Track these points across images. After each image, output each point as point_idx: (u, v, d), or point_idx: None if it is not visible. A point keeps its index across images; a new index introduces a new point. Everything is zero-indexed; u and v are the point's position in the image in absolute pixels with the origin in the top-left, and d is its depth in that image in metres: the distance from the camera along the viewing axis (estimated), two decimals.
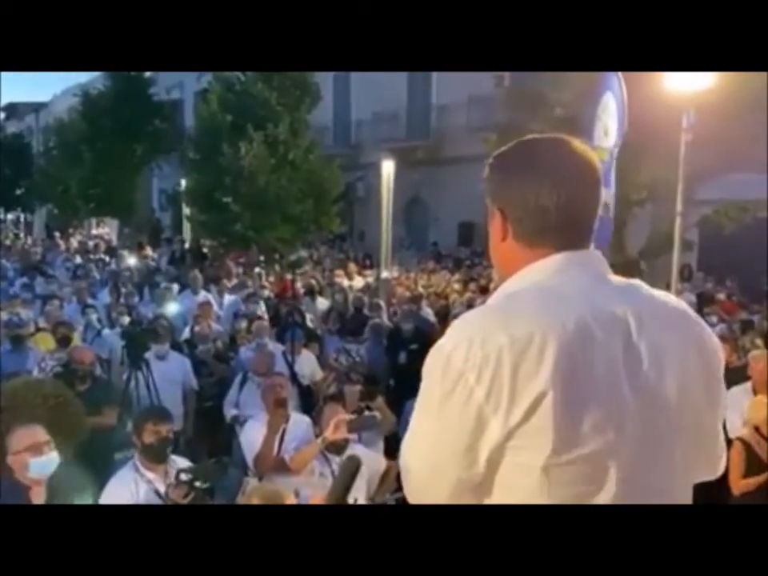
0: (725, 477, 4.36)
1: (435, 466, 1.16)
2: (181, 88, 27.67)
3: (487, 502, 1.16)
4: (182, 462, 3.45)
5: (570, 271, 1.18)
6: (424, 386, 1.17)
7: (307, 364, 6.60)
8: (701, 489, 1.31)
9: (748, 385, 5.18)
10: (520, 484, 1.12)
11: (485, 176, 1.27)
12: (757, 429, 4.36)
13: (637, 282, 1.25)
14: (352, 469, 1.44)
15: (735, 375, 5.37)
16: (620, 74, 5.45)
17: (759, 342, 7.34)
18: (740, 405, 4.96)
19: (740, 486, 4.20)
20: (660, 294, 1.26)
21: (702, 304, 9.49)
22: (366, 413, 4.30)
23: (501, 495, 1.14)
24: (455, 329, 1.16)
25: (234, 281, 10.87)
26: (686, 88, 5.67)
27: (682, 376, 1.18)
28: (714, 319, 8.50)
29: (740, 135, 9.88)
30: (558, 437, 1.08)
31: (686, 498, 1.24)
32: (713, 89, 5.78)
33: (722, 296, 9.96)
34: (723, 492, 4.23)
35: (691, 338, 1.22)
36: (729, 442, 4.81)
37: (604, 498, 1.12)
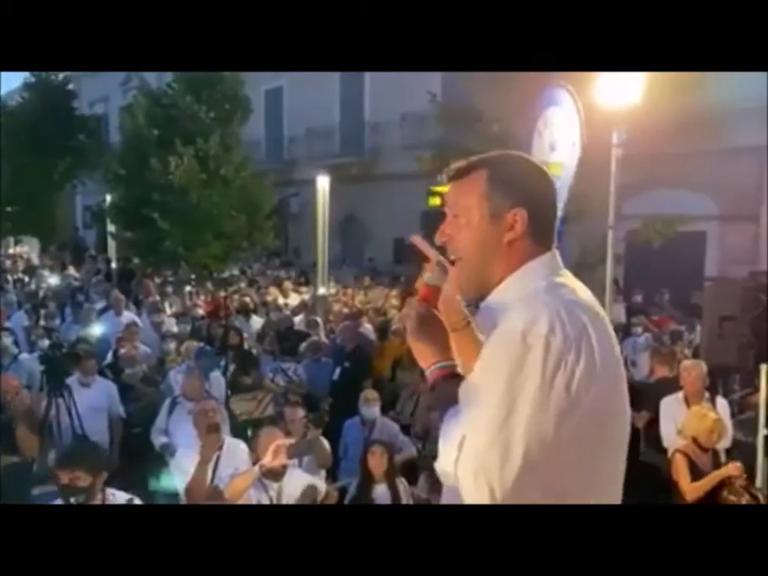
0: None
1: (533, 455, 1.18)
2: (105, 102, 26.83)
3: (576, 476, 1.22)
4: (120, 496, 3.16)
5: (559, 265, 1.37)
6: (508, 374, 1.19)
7: (216, 386, 6.24)
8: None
9: (680, 394, 5.28)
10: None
11: (485, 182, 1.34)
12: (694, 440, 4.42)
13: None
14: None
15: (669, 387, 5.48)
16: (570, 87, 5.51)
17: (688, 352, 7.58)
18: (673, 414, 5.04)
19: (690, 491, 4.24)
20: None
21: (630, 316, 9.76)
22: (309, 436, 4.15)
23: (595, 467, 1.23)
24: (535, 310, 1.22)
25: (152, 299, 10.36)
26: (616, 105, 5.80)
27: None
28: (639, 330, 8.75)
29: (665, 151, 10.29)
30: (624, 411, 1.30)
31: None
32: (641, 106, 5.93)
33: (653, 315, 10.18)
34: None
35: None
36: (664, 451, 4.89)
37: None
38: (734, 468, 4.24)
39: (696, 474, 4.29)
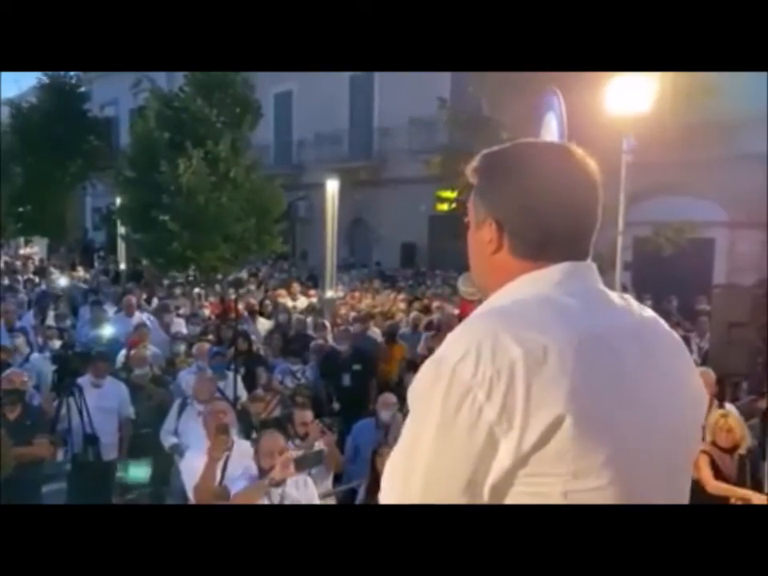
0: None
1: (433, 493, 1.04)
2: (116, 105, 27.02)
3: None
4: None
5: (574, 282, 1.10)
6: (421, 401, 1.04)
7: (229, 387, 6.24)
8: None
9: None
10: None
11: (474, 182, 1.17)
12: (713, 442, 4.42)
13: (625, 294, 1.19)
14: None
15: None
16: (559, 93, 5.55)
17: (696, 358, 7.57)
18: None
19: (713, 486, 4.26)
20: (644, 307, 1.20)
21: None
22: (315, 447, 4.19)
23: None
24: (459, 337, 1.03)
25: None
26: (625, 112, 5.83)
27: (683, 390, 1.15)
28: None
29: (674, 158, 10.28)
30: (580, 462, 0.98)
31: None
32: (650, 113, 5.96)
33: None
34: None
35: (680, 352, 1.20)
36: None
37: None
38: (756, 497, 4.23)
39: (718, 475, 4.30)
